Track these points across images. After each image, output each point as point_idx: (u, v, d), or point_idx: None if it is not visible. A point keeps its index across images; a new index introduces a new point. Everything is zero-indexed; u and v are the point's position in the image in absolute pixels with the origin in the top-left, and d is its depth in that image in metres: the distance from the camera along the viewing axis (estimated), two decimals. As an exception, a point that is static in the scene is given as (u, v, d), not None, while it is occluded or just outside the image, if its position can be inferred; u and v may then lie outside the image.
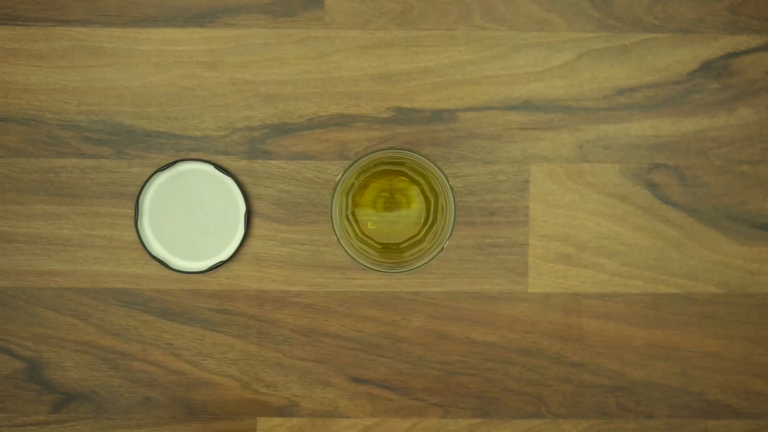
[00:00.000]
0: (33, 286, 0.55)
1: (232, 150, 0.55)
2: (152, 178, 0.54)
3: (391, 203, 0.52)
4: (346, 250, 0.48)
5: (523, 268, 0.56)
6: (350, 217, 0.52)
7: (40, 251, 0.55)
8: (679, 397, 0.56)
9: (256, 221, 0.55)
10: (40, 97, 0.55)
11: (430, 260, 0.48)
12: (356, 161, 0.48)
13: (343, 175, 0.48)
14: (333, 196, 0.48)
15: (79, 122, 0.55)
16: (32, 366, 0.55)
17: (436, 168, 0.47)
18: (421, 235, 0.52)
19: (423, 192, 0.52)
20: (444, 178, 0.47)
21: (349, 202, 0.52)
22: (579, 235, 0.56)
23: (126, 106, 0.55)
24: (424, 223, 0.52)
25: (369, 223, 0.52)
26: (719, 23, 0.56)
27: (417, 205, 0.52)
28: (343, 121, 0.55)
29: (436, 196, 0.51)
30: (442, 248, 0.48)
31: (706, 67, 0.56)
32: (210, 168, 0.54)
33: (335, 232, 0.48)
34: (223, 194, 0.55)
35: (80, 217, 0.55)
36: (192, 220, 0.55)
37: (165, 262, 0.54)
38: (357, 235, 0.52)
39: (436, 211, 0.51)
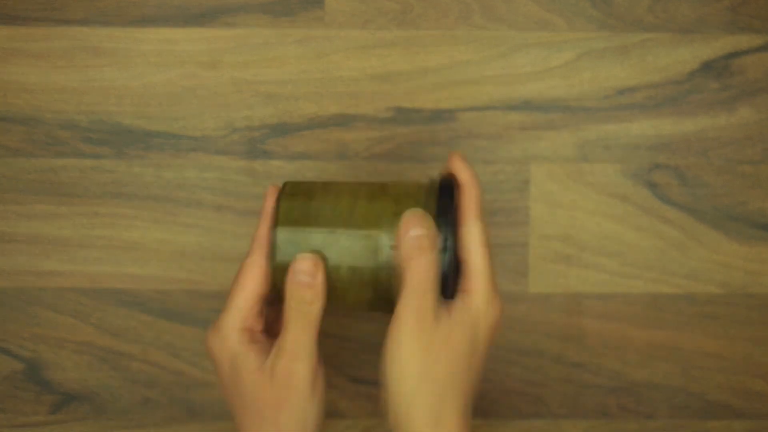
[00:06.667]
0: (32, 286, 0.55)
1: (232, 150, 0.55)
2: None
3: None
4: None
5: (524, 269, 0.55)
6: None
7: (40, 251, 0.55)
8: (679, 398, 0.56)
9: (256, 221, 0.55)
10: (40, 96, 0.55)
11: None
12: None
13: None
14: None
15: (79, 122, 0.55)
16: (31, 366, 0.55)
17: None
18: None
19: None
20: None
21: None
22: (579, 235, 0.56)
23: (125, 106, 0.55)
24: None
25: None
26: (720, 23, 0.56)
27: None
28: (343, 121, 0.55)
29: None
30: None
31: (707, 67, 0.56)
32: None
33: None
34: None
35: (80, 217, 0.55)
36: None
37: None
38: None
39: None
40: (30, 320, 0.55)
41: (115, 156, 0.55)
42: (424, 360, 0.38)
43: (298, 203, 0.43)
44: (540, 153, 0.55)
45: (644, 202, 0.56)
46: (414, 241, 0.39)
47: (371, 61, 0.55)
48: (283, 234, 0.42)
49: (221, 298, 0.55)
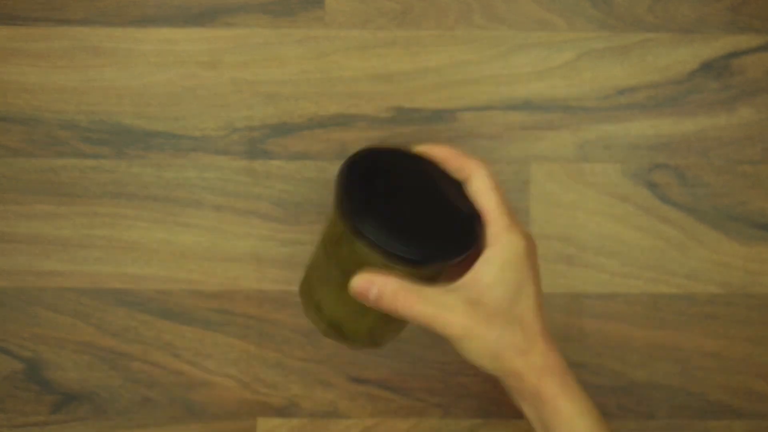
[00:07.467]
0: (33, 286, 0.55)
1: (232, 150, 0.55)
2: None
3: None
4: None
5: (524, 268, 0.55)
6: None
7: (40, 251, 0.55)
8: (679, 398, 0.56)
9: (256, 221, 0.55)
10: (40, 96, 0.55)
11: None
12: None
13: None
14: None
15: (79, 122, 0.55)
16: (32, 366, 0.55)
17: None
18: None
19: None
20: None
21: None
22: (579, 235, 0.56)
23: (125, 106, 0.55)
24: None
25: None
26: (720, 23, 0.56)
27: None
28: (343, 121, 0.55)
29: None
30: None
31: (707, 67, 0.56)
32: None
33: None
34: None
35: (80, 217, 0.55)
36: None
37: None
38: None
39: None
40: (30, 320, 0.55)
41: (115, 156, 0.55)
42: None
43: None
44: (540, 153, 0.55)
45: (644, 202, 0.56)
46: (377, 300, 0.41)
47: (371, 61, 0.55)
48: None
49: (221, 298, 0.55)
